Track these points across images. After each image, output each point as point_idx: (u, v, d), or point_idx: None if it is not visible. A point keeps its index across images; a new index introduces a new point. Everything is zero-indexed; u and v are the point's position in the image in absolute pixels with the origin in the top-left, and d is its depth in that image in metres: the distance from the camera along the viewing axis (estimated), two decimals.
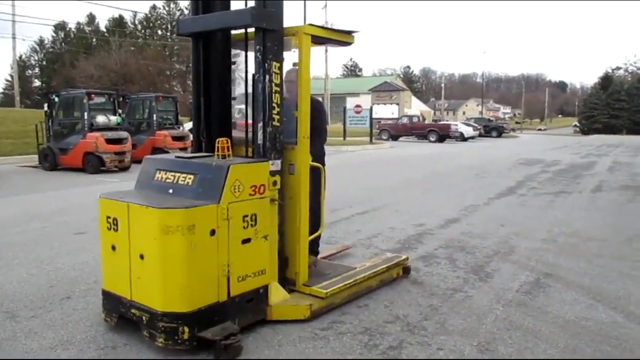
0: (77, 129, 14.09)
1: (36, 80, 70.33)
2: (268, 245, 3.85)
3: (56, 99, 14.37)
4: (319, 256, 5.05)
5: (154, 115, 16.26)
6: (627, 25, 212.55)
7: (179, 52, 63.69)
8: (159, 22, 67.17)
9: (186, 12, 66.21)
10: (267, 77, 3.85)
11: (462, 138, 35.58)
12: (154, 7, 66.34)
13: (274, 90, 3.90)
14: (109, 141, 13.60)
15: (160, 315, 3.36)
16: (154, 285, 3.42)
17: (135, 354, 3.43)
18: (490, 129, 44.57)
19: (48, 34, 68.77)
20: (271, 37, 3.84)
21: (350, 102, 44.45)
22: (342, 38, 4.47)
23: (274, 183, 3.88)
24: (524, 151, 25.51)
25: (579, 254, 6.05)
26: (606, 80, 74.54)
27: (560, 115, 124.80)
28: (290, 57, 4.18)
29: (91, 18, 68.31)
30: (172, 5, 66.15)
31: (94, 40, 65.39)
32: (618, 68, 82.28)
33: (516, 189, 11.58)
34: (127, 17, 65.87)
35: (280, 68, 3.95)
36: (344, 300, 4.32)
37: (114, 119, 14.31)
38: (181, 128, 17.14)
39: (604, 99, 69.89)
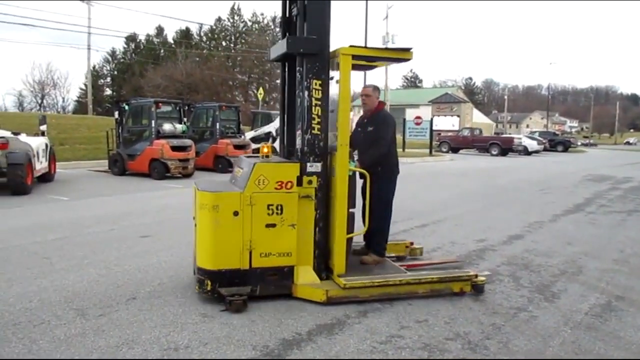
0: (144, 136, 14.65)
1: (107, 89, 73.87)
2: (295, 233, 4.56)
3: (126, 107, 15.01)
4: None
5: (217, 124, 16.70)
6: None
7: (242, 63, 65.30)
8: (223, 33, 69.05)
9: (249, 24, 67.94)
10: (307, 92, 4.59)
11: (526, 152, 34.42)
12: (219, 19, 68.34)
13: (314, 104, 4.60)
14: (174, 148, 14.05)
15: (197, 268, 4.57)
16: (197, 246, 4.65)
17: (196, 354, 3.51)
18: (556, 143, 42.89)
19: (120, 45, 72.27)
20: (311, 60, 4.58)
21: (410, 114, 43.98)
22: (388, 54, 4.94)
23: (309, 182, 4.60)
24: (592, 167, 24.39)
25: None
26: None
27: (632, 130, 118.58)
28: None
29: (160, 30, 71.27)
30: (236, 17, 67.94)
31: (162, 51, 68.07)
32: None
33: (584, 206, 11.07)
34: (194, 29, 68.37)
35: (322, 85, 4.60)
36: (373, 297, 4.59)
37: (179, 127, 14.79)
38: (243, 137, 17.51)
39: None
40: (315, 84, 4.60)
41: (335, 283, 4.66)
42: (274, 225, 4.52)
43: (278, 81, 65.41)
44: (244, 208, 4.45)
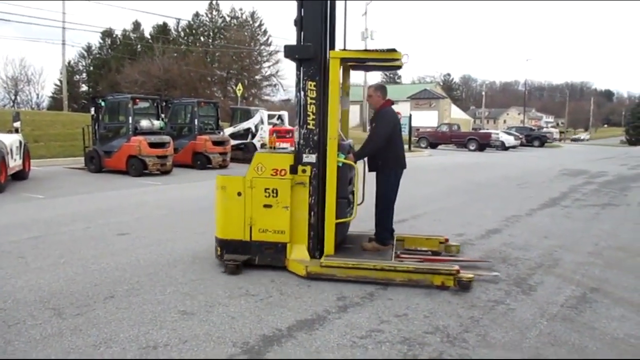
0: (121, 133, 14.45)
1: (83, 85, 72.49)
2: (288, 214, 5.23)
3: (102, 104, 14.80)
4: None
5: (196, 120, 16.56)
6: None
7: (220, 59, 64.61)
8: (201, 29, 68.14)
9: (228, 19, 67.30)
10: (303, 92, 5.18)
11: (503, 147, 34.86)
12: (196, 15, 67.33)
13: (309, 102, 5.16)
14: (152, 145, 13.90)
15: (215, 237, 5.55)
16: (215, 219, 5.59)
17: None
18: (533, 138, 43.50)
19: (95, 41, 70.94)
20: (306, 64, 5.16)
21: None
22: (375, 56, 5.20)
23: (303, 171, 5.20)
24: (568, 161, 24.80)
25: (627, 269, 5.83)
26: None
27: (606, 125, 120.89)
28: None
29: (136, 25, 70.10)
30: (214, 13, 67.16)
31: (139, 46, 67.02)
32: None
33: (560, 200, 11.26)
34: (171, 24, 67.26)
35: (317, 86, 5.13)
36: (350, 278, 4.96)
37: (157, 123, 14.64)
38: (221, 133, 17.39)
39: None
40: (310, 85, 5.15)
41: (318, 261, 5.16)
42: (270, 206, 5.24)
43: (257, 77, 64.48)
44: (246, 190, 5.29)
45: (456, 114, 65.59)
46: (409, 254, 5.92)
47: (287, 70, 62.69)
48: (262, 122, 18.55)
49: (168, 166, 14.37)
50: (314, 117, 5.17)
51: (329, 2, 5.31)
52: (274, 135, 18.19)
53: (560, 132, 74.69)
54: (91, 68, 71.62)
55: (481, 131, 39.44)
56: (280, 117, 19.89)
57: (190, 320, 4.05)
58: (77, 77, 71.98)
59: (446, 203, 10.11)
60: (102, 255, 5.89)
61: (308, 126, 5.19)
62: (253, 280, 5.08)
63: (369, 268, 4.97)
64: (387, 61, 5.32)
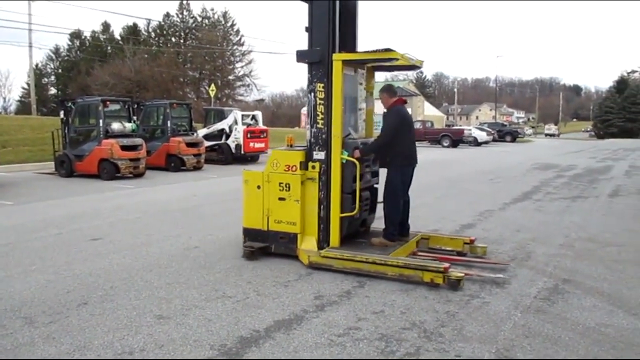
0: (92, 136, 14.19)
1: (52, 88, 71.07)
2: (299, 207, 5.59)
3: (72, 107, 14.52)
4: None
5: (169, 122, 16.37)
6: None
7: (192, 60, 64.01)
8: (172, 29, 67.30)
9: (199, 19, 66.65)
10: (313, 94, 5.54)
11: (476, 143, 35.34)
12: (167, 15, 66.47)
13: (318, 103, 5.50)
14: (124, 148, 13.70)
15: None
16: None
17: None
18: (504, 134, 44.21)
19: (64, 43, 69.58)
20: (315, 67, 5.51)
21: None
22: (373, 56, 5.44)
23: (313, 167, 5.54)
24: (539, 156, 25.28)
25: (597, 260, 5.96)
26: (622, 84, 73.58)
27: (574, 120, 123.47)
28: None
29: (106, 26, 68.93)
30: (185, 13, 66.43)
31: (109, 48, 65.97)
32: (633, 71, 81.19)
33: (532, 194, 11.46)
34: (141, 25, 66.30)
35: (325, 87, 5.45)
36: (347, 269, 5.23)
37: (129, 125, 14.42)
38: (195, 134, 17.23)
39: (619, 103, 69.03)
40: (319, 86, 5.47)
41: (321, 252, 5.45)
42: (284, 199, 5.65)
43: (230, 77, 64.04)
44: (264, 184, 5.77)
45: (429, 111, 66.25)
46: (429, 253, 5.96)
47: (261, 70, 62.47)
48: (236, 122, 18.43)
49: (141, 169, 14.17)
50: (322, 116, 5.48)
51: (337, 9, 5.51)
52: (248, 135, 18.22)
53: (532, 127, 76.08)
54: (60, 70, 70.29)
55: (454, 128, 39.96)
56: (254, 117, 19.77)
57: (166, 325, 4.00)
58: (46, 80, 70.56)
59: (422, 199, 10.18)
60: (75, 261, 5.79)
61: (317, 125, 5.52)
62: (230, 282, 5.05)
63: (362, 261, 5.15)
64: (385, 60, 5.55)
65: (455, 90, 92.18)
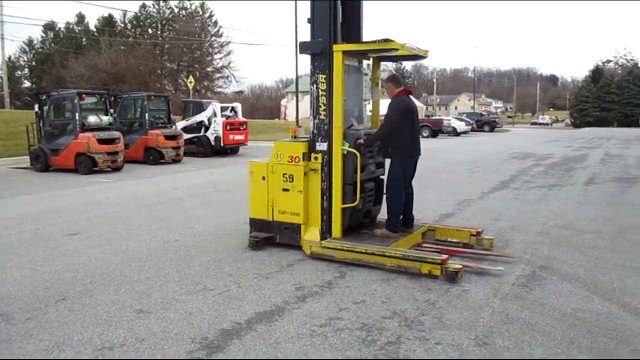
0: (68, 130, 13.97)
1: (26, 81, 69.71)
2: (302, 198, 5.64)
3: (47, 100, 14.26)
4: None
5: (146, 115, 16.17)
6: (616, 18, 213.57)
7: (170, 51, 63.18)
8: (149, 20, 66.18)
9: (176, 10, 65.73)
10: (315, 85, 5.54)
11: (455, 133, 35.65)
12: (143, 6, 65.22)
13: (320, 94, 5.52)
14: (101, 141, 13.50)
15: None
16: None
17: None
18: (483, 124, 44.66)
19: (37, 34, 68.31)
20: (317, 58, 5.52)
21: None
22: (372, 47, 5.42)
23: (315, 158, 5.58)
24: (517, 145, 25.60)
25: (573, 247, 6.08)
26: (597, 73, 74.80)
27: (551, 109, 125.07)
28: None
29: (80, 18, 67.61)
30: (161, 4, 65.35)
31: (84, 40, 64.78)
32: (608, 61, 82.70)
33: (509, 182, 11.61)
34: (117, 16, 65.06)
35: (327, 79, 5.44)
36: (347, 260, 5.27)
37: (105, 118, 14.22)
38: (174, 127, 17.06)
39: (594, 92, 70.17)
40: (321, 77, 5.48)
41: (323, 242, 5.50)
42: (287, 190, 5.72)
43: (209, 69, 63.37)
44: (268, 175, 5.85)
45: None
46: (435, 244, 5.94)
47: (240, 62, 62.04)
48: (215, 114, 18.27)
49: (119, 162, 14.00)
50: (324, 108, 5.50)
51: (338, 1, 5.52)
52: (228, 127, 18.09)
53: (508, 117, 77.07)
54: (33, 63, 68.91)
55: (433, 118, 40.18)
56: (233, 109, 19.63)
57: (146, 319, 3.98)
58: (19, 72, 69.15)
59: None
60: (52, 256, 5.70)
61: (320, 116, 5.54)
62: (210, 274, 5.03)
63: (361, 252, 5.19)
64: (386, 51, 5.53)
65: (435, 80, 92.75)
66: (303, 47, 5.66)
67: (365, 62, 6.17)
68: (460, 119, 40.10)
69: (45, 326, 3.86)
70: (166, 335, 3.68)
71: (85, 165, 13.40)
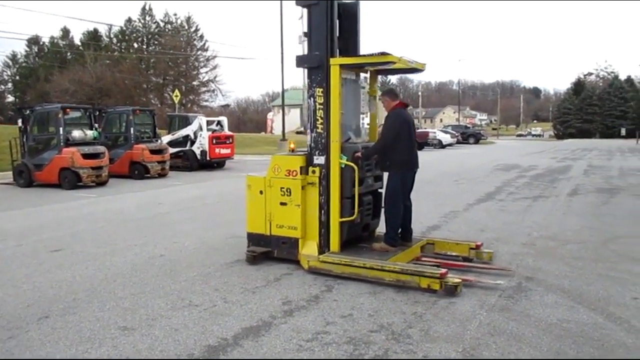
0: (52, 145, 13.84)
1: (9, 95, 69.03)
2: (299, 212, 5.59)
3: (30, 114, 14.14)
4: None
5: (132, 129, 16.10)
6: (597, 31, 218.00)
7: (156, 65, 63.04)
8: (134, 35, 66.13)
9: (162, 24, 65.71)
10: (312, 99, 5.54)
11: (441, 145, 35.90)
12: (129, 20, 65.22)
13: (318, 108, 5.51)
14: (86, 156, 13.39)
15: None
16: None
17: None
18: (468, 136, 45.08)
19: (21, 49, 67.80)
20: (314, 72, 5.52)
21: None
22: (369, 60, 5.45)
23: (313, 172, 5.53)
24: (501, 157, 25.85)
25: (558, 257, 6.12)
26: (578, 86, 75.97)
27: (535, 121, 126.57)
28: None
29: (65, 32, 67.26)
30: (147, 18, 65.38)
31: (69, 54, 64.47)
32: (589, 74, 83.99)
33: (495, 194, 11.70)
34: (102, 30, 64.97)
35: (324, 92, 5.44)
36: (345, 274, 5.20)
37: (90, 133, 14.11)
38: (159, 141, 16.98)
39: (577, 104, 71.22)
40: (319, 91, 5.48)
41: (321, 256, 5.45)
42: (285, 204, 5.68)
43: (195, 83, 63.34)
44: (266, 189, 5.81)
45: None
46: (434, 258, 5.89)
47: (226, 76, 62.21)
48: (201, 128, 18.24)
49: (104, 177, 13.89)
50: (322, 121, 5.48)
51: (335, 13, 5.54)
52: (214, 141, 18.04)
53: (493, 129, 78.05)
54: (17, 77, 68.29)
55: (419, 130, 40.31)
56: (219, 123, 19.62)
57: (131, 336, 3.92)
58: (2, 87, 68.54)
59: None
60: (35, 273, 5.62)
61: (317, 130, 5.53)
62: (196, 290, 4.99)
63: (360, 266, 5.14)
64: (383, 64, 5.54)
65: (420, 93, 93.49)
66: (300, 61, 5.66)
67: (362, 75, 6.18)
68: (446, 132, 40.41)
69: (27, 345, 3.79)
70: (151, 353, 3.63)
71: (70, 180, 13.26)
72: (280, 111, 34.88)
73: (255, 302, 4.62)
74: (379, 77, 6.51)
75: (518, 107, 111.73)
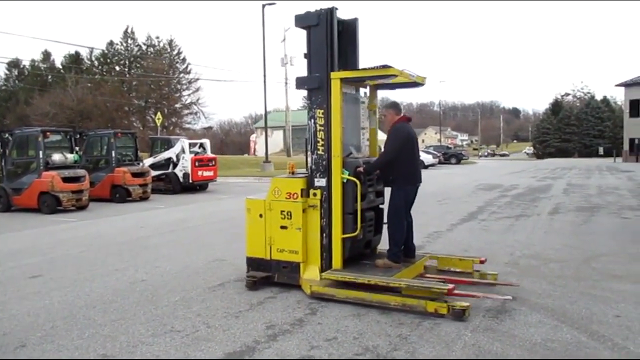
0: (32, 168, 13.67)
1: None
2: (301, 235, 5.48)
3: (10, 138, 13.96)
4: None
5: (113, 152, 15.96)
6: (573, 53, 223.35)
7: (138, 88, 62.87)
8: (116, 58, 66.05)
9: (144, 47, 65.74)
10: (313, 120, 5.50)
11: (423, 166, 36.15)
12: (111, 43, 65.21)
13: (318, 129, 5.47)
14: (66, 180, 13.22)
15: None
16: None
17: None
18: (450, 156, 45.48)
19: (0, 72, 67.09)
20: (315, 93, 5.48)
21: None
22: (370, 74, 5.43)
23: (314, 194, 5.46)
24: (483, 177, 26.10)
25: (541, 276, 6.15)
26: (556, 106, 77.57)
27: (515, 141, 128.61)
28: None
29: (46, 55, 66.80)
30: (129, 41, 65.40)
31: (50, 77, 64.01)
32: (567, 94, 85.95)
33: (477, 214, 11.78)
34: (84, 53, 64.76)
35: (325, 113, 5.41)
36: (349, 299, 5.06)
37: (70, 156, 13.96)
38: (141, 164, 16.85)
39: (555, 124, 72.61)
40: (319, 112, 5.44)
41: (325, 280, 5.33)
42: (286, 227, 5.56)
43: (177, 105, 63.21)
44: (266, 212, 5.69)
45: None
46: (437, 275, 5.83)
47: (208, 98, 62.24)
48: (183, 151, 18.16)
49: (84, 201, 13.71)
50: (323, 143, 5.45)
51: (335, 35, 5.49)
52: (196, 163, 17.97)
53: (474, 149, 79.13)
54: None
55: None
56: (202, 145, 19.57)
57: None
58: None
59: None
60: (12, 300, 5.48)
61: (318, 152, 5.48)
62: (178, 315, 4.90)
63: (364, 283, 5.07)
64: (384, 77, 5.51)
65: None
66: (300, 83, 5.61)
67: (362, 90, 6.14)
68: (428, 152, 40.72)
69: None
70: None
71: (49, 204, 13.07)
72: (263, 133, 34.93)
73: (239, 327, 4.55)
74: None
75: (498, 127, 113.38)
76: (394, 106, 5.90)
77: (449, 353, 3.93)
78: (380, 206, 6.12)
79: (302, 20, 5.58)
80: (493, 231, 9.41)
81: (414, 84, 5.99)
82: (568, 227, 9.79)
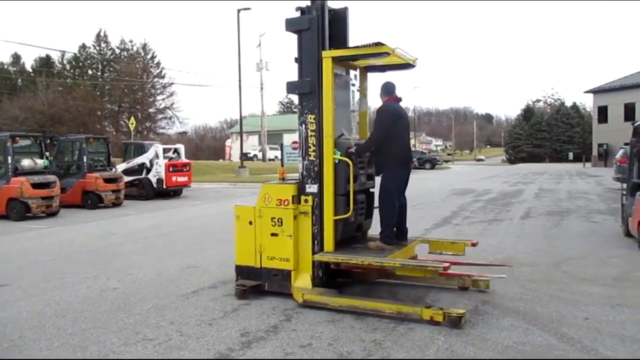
0: (0, 174, 13.34)
1: None
2: (291, 243, 5.38)
3: None
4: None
5: (85, 157, 15.68)
6: (544, 59, 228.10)
7: (111, 92, 61.95)
8: (88, 61, 64.98)
9: (117, 51, 64.88)
10: (304, 126, 5.41)
11: None
12: (83, 47, 64.22)
13: (309, 135, 5.37)
14: (35, 186, 12.95)
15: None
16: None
17: None
18: (424, 161, 45.94)
19: None
20: (306, 98, 5.40)
21: (288, 139, 44.72)
22: (363, 51, 5.26)
23: (306, 201, 5.36)
24: (457, 182, 26.41)
25: (512, 280, 6.24)
26: (528, 112, 79.08)
27: (488, 146, 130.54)
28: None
29: (16, 58, 65.37)
30: (102, 45, 64.46)
31: (19, 80, 62.74)
32: (538, 100, 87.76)
33: (451, 218, 11.91)
34: (55, 56, 63.63)
35: (316, 118, 5.32)
36: (343, 308, 4.97)
37: (40, 162, 13.68)
38: (114, 169, 16.60)
39: (527, 130, 74.00)
40: (310, 117, 5.35)
41: (317, 288, 5.30)
42: (276, 235, 5.45)
43: (151, 110, 62.47)
44: (256, 219, 5.57)
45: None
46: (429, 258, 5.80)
47: (183, 103, 61.79)
48: (157, 156, 17.94)
49: (54, 207, 13.43)
50: (314, 148, 5.36)
51: (327, 39, 5.38)
52: (170, 169, 17.79)
53: (449, 154, 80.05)
54: None
55: None
56: (176, 151, 19.37)
57: None
58: None
59: None
60: None
61: (309, 157, 5.39)
62: (151, 323, 4.83)
63: (358, 264, 5.19)
64: (376, 56, 5.40)
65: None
66: (291, 87, 5.50)
67: (352, 72, 6.01)
68: None
69: None
70: None
71: (18, 211, 12.78)
72: (239, 138, 34.75)
73: (212, 335, 4.51)
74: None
75: (471, 132, 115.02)
76: (384, 86, 5.76)
77: (422, 357, 3.95)
78: (371, 190, 6.04)
79: (292, 24, 5.47)
80: (466, 235, 9.51)
81: (406, 65, 5.84)
82: (539, 231, 9.96)
